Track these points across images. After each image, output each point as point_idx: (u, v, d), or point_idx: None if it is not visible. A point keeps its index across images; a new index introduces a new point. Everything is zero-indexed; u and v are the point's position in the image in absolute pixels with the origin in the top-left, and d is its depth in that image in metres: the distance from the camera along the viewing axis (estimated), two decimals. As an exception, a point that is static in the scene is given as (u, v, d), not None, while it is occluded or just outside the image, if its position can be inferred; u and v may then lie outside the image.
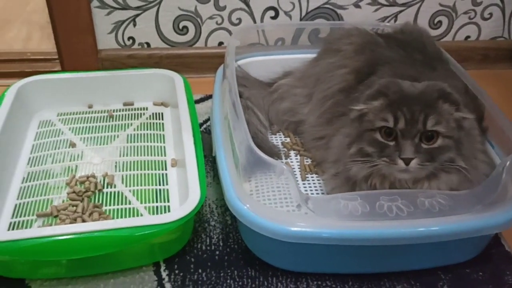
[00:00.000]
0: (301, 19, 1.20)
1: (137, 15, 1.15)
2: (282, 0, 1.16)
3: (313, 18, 1.20)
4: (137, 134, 0.94)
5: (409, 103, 0.66)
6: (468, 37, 1.26)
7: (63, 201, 0.78)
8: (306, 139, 0.91)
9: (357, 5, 1.19)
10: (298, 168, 0.89)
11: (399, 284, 0.71)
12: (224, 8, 1.16)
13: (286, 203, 0.77)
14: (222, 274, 0.72)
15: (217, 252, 0.75)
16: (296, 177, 0.86)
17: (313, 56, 1.00)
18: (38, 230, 0.66)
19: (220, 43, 1.22)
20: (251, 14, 1.18)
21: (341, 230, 0.62)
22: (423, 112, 0.66)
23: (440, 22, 1.23)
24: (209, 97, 1.13)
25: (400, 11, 1.20)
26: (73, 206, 0.75)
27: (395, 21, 1.21)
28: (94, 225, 0.66)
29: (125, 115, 0.99)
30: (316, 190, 0.84)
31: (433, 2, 1.20)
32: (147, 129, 0.95)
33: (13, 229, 0.73)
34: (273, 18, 1.19)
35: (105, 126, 0.95)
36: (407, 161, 0.65)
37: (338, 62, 0.88)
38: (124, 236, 0.64)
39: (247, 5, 1.16)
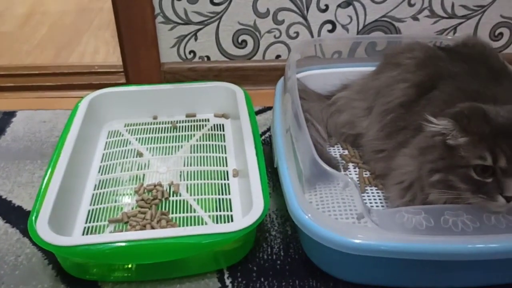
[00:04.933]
0: (358, 32, 1.21)
1: (199, 30, 1.20)
2: (339, 14, 1.18)
3: (370, 31, 1.21)
4: (200, 145, 0.97)
5: (506, 137, 0.63)
6: (531, 49, 1.23)
7: (132, 208, 0.82)
8: (365, 151, 0.92)
9: (415, 18, 1.18)
10: (357, 180, 0.89)
11: (463, 300, 0.71)
12: (282, 22, 1.19)
13: (346, 215, 0.77)
14: (283, 284, 0.73)
15: (279, 262, 0.77)
16: (356, 190, 0.87)
17: (371, 69, 1.01)
18: (113, 236, 0.71)
19: (278, 56, 1.24)
20: (309, 28, 1.20)
21: (405, 244, 0.63)
22: None
23: (501, 34, 1.21)
24: (267, 108, 1.16)
25: (460, 23, 1.19)
26: (142, 213, 0.79)
27: (454, 33, 1.20)
28: (165, 232, 0.69)
29: (188, 126, 1.03)
30: (375, 202, 0.84)
31: (494, 14, 1.18)
32: (209, 140, 0.99)
33: (87, 233, 0.78)
34: (330, 31, 1.21)
35: (170, 136, 1.00)
36: (509, 199, 0.62)
37: (399, 76, 0.89)
38: (193, 243, 0.67)
39: (305, 19, 1.18)
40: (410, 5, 1.17)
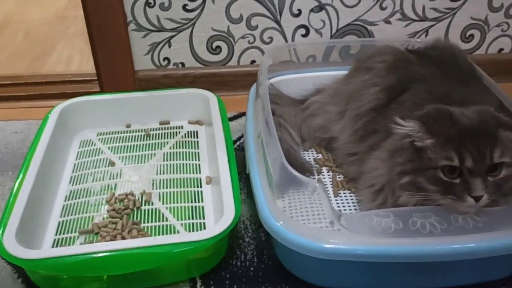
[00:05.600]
0: (331, 36, 1.22)
1: (172, 37, 1.19)
2: (312, 18, 1.18)
3: (343, 35, 1.21)
4: (173, 152, 0.97)
5: (471, 138, 0.64)
6: (501, 49, 1.25)
7: (103, 218, 0.81)
8: (338, 155, 0.92)
9: (387, 21, 1.20)
10: (331, 184, 0.89)
11: (434, 301, 0.71)
12: (256, 27, 1.19)
13: (319, 220, 0.77)
14: (256, 290, 0.73)
15: (252, 268, 0.76)
16: (329, 193, 0.87)
17: (344, 73, 1.01)
18: (81, 248, 0.69)
19: (253, 62, 1.24)
20: (282, 33, 1.20)
21: (374, 247, 0.63)
22: (489, 146, 0.63)
23: (472, 35, 1.22)
24: (243, 114, 1.15)
25: (431, 26, 1.20)
26: (113, 223, 0.78)
27: (426, 35, 1.22)
28: (134, 242, 0.69)
29: (162, 133, 1.02)
30: (348, 206, 0.84)
31: (464, 16, 1.19)
32: (182, 147, 0.98)
33: (57, 245, 0.77)
34: (304, 36, 1.21)
35: (143, 145, 0.99)
36: (478, 199, 0.63)
37: (370, 80, 0.89)
38: (162, 252, 0.67)
39: (279, 24, 1.19)
40: (382, 8, 1.18)
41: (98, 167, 0.92)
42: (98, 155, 0.96)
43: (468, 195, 0.63)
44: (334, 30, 1.21)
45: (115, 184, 0.88)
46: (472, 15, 1.19)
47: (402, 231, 0.64)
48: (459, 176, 0.64)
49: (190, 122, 1.05)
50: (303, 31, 1.20)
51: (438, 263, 0.66)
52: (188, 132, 1.03)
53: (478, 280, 0.72)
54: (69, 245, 0.76)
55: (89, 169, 0.92)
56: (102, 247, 0.67)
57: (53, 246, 0.76)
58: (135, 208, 0.82)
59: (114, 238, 0.75)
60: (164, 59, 1.23)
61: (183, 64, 1.24)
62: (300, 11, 1.17)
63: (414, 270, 0.68)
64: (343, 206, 0.84)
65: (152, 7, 1.15)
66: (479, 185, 0.63)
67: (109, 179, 0.90)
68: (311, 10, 1.17)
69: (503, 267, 0.72)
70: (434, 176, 0.66)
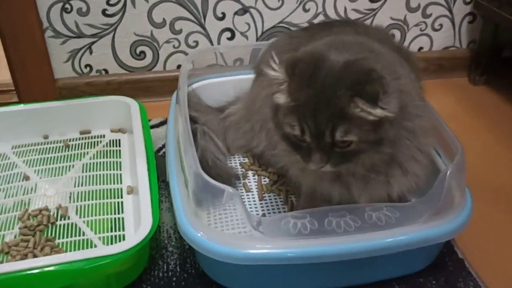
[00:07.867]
0: (257, 39, 1.22)
1: (93, 43, 1.15)
2: (237, 21, 1.18)
3: (269, 37, 1.21)
4: (93, 163, 0.93)
5: (315, 113, 0.59)
6: (421, 48, 1.29)
7: (15, 237, 0.76)
8: (263, 159, 0.91)
9: (311, 23, 1.21)
10: (256, 188, 0.89)
11: (355, 298, 0.72)
12: (180, 31, 1.17)
13: (243, 226, 0.76)
14: (178, 301, 0.71)
15: (174, 278, 0.74)
16: (254, 197, 0.86)
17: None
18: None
19: (179, 66, 1.22)
20: (208, 36, 1.19)
21: (289, 250, 0.63)
22: (331, 123, 0.58)
23: (392, 35, 1.26)
24: (169, 120, 1.13)
25: (353, 26, 1.23)
26: (24, 241, 0.74)
27: (350, 36, 1.24)
28: (43, 260, 0.65)
29: (82, 144, 0.98)
30: (273, 209, 0.84)
31: (384, 16, 1.22)
32: (103, 157, 0.95)
33: (-37, 268, 0.72)
34: (229, 39, 1.20)
35: (61, 156, 0.95)
36: (319, 167, 0.61)
37: (264, 82, 0.87)
38: (73, 269, 0.64)
39: (203, 27, 1.17)
40: (305, 10, 1.19)
41: (11, 182, 0.88)
42: (11, 170, 0.91)
43: (311, 162, 0.61)
44: (259, 33, 1.21)
45: (29, 200, 0.84)
46: (392, 15, 1.23)
47: (318, 231, 0.64)
48: (305, 142, 0.62)
49: (112, 131, 1.02)
50: (228, 34, 1.20)
51: (355, 261, 0.66)
52: (110, 141, 0.99)
53: (396, 274, 0.73)
54: (-24, 267, 0.71)
55: (1, 185, 0.87)
56: (7, 268, 0.63)
57: (-42, 270, 0.71)
58: (49, 224, 0.78)
59: (25, 256, 0.71)
60: (86, 66, 1.18)
61: (106, 71, 1.20)
62: (224, 14, 1.17)
63: (333, 269, 0.69)
64: (268, 210, 0.84)
65: (69, 12, 1.11)
66: (317, 156, 0.60)
67: (23, 194, 0.85)
68: (235, 13, 1.17)
69: (417, 260, 0.74)
70: (284, 133, 0.63)
